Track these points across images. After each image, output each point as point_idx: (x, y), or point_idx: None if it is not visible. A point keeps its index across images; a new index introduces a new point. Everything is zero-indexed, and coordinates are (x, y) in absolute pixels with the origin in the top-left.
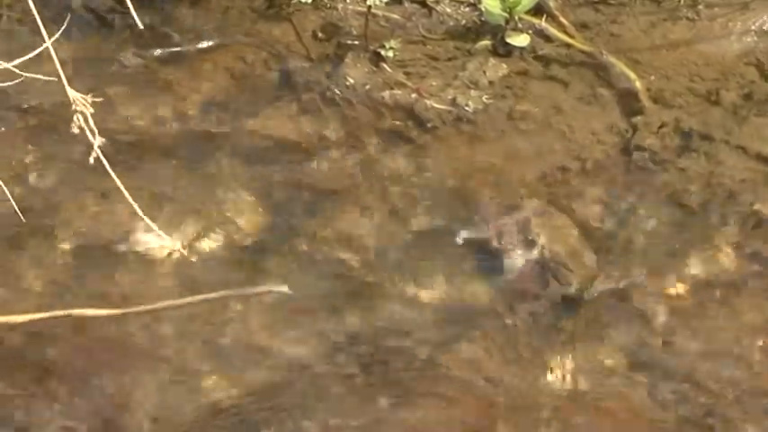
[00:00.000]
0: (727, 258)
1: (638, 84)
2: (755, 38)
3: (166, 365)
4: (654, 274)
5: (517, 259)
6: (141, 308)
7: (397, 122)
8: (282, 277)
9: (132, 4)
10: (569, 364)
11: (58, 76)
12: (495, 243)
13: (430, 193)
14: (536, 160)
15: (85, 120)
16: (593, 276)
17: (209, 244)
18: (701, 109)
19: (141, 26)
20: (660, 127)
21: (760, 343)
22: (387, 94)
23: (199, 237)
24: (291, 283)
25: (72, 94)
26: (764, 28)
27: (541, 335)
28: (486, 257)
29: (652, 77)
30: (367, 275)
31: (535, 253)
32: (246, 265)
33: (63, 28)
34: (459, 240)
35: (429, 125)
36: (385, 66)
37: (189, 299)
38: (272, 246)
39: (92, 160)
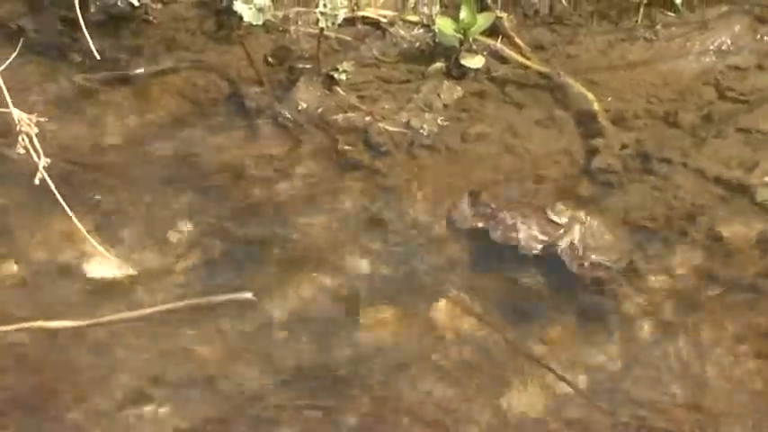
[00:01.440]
0: (685, 281)
1: (596, 105)
2: (714, 57)
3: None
4: None
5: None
6: (105, 319)
7: (351, 147)
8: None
9: (86, 29)
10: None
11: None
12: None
13: (383, 221)
14: (493, 183)
15: (30, 141)
16: None
17: (154, 268)
18: (659, 130)
19: (97, 55)
20: (621, 148)
21: (718, 367)
22: (340, 117)
23: (145, 261)
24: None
25: (17, 114)
26: (723, 48)
27: None
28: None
29: (610, 98)
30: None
31: None
32: (199, 280)
33: (15, 53)
34: (420, 267)
35: (383, 149)
36: (338, 89)
37: (152, 309)
38: (220, 272)
39: (37, 181)
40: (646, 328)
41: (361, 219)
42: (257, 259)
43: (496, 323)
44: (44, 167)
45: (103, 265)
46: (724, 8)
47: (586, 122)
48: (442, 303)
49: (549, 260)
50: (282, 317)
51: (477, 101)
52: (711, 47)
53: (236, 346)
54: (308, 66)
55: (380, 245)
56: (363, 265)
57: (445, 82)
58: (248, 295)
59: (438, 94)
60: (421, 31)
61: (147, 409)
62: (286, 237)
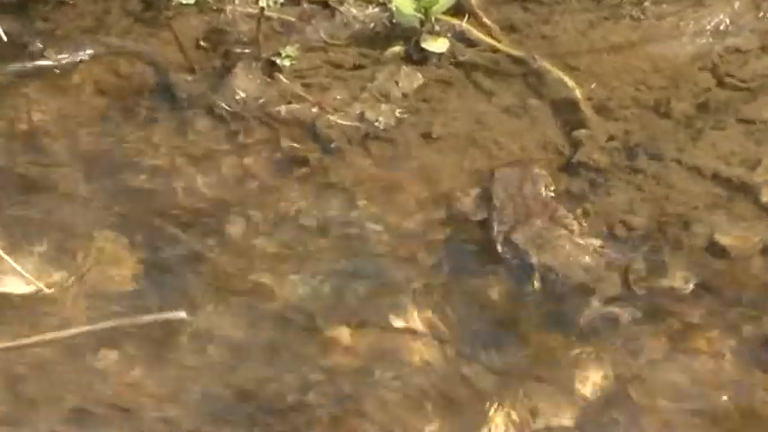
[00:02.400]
0: (679, 297)
1: (576, 93)
2: (710, 39)
3: None
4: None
5: None
6: (33, 339)
7: (296, 143)
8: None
9: None
10: None
11: None
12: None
13: (332, 228)
14: (457, 183)
15: None
16: None
17: (70, 284)
18: (649, 122)
19: (4, 36)
20: (607, 141)
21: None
22: (283, 108)
23: (59, 276)
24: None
25: None
26: (721, 27)
27: None
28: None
29: (592, 85)
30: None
31: None
32: (124, 298)
33: None
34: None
35: (333, 144)
36: (281, 76)
37: (84, 328)
38: (147, 279)
39: None
40: (636, 353)
41: (308, 226)
42: (190, 273)
43: (459, 335)
44: None
45: (14, 281)
46: None
47: (566, 112)
48: (402, 317)
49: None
50: (217, 337)
51: (441, 89)
52: (708, 26)
53: (164, 372)
54: (246, 50)
55: (330, 254)
56: (309, 280)
57: (404, 68)
58: (181, 315)
59: (396, 82)
60: (376, 10)
61: None
62: (221, 248)
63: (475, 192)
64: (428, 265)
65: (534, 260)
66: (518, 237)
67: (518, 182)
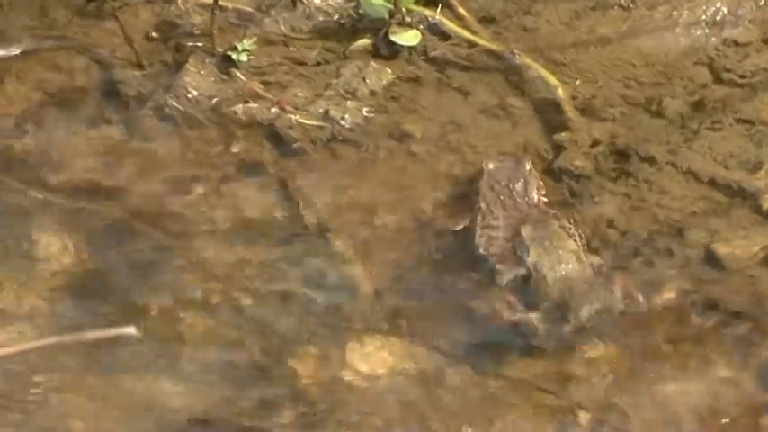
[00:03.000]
0: (674, 311)
1: (560, 91)
2: (706, 30)
3: None
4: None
5: None
6: None
7: (254, 145)
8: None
9: None
10: None
11: None
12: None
13: (292, 239)
14: (430, 191)
15: None
16: None
17: (8, 301)
18: (639, 122)
19: None
20: (593, 145)
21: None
22: (240, 108)
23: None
24: None
25: None
26: (718, 18)
27: None
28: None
29: (577, 82)
30: None
31: None
32: (67, 307)
33: None
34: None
35: (294, 146)
36: (237, 73)
37: (31, 344)
38: (91, 304)
39: None
40: (625, 376)
41: (267, 236)
42: (137, 288)
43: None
44: None
45: None
46: None
47: (548, 113)
48: (364, 347)
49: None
50: (167, 356)
51: (412, 87)
52: (704, 17)
53: (109, 392)
54: (199, 44)
55: (290, 268)
56: (266, 297)
57: (372, 63)
58: (131, 330)
59: (363, 79)
60: (341, 0)
61: None
62: (171, 262)
63: (452, 197)
64: (400, 283)
65: (528, 265)
66: (512, 239)
67: (507, 180)
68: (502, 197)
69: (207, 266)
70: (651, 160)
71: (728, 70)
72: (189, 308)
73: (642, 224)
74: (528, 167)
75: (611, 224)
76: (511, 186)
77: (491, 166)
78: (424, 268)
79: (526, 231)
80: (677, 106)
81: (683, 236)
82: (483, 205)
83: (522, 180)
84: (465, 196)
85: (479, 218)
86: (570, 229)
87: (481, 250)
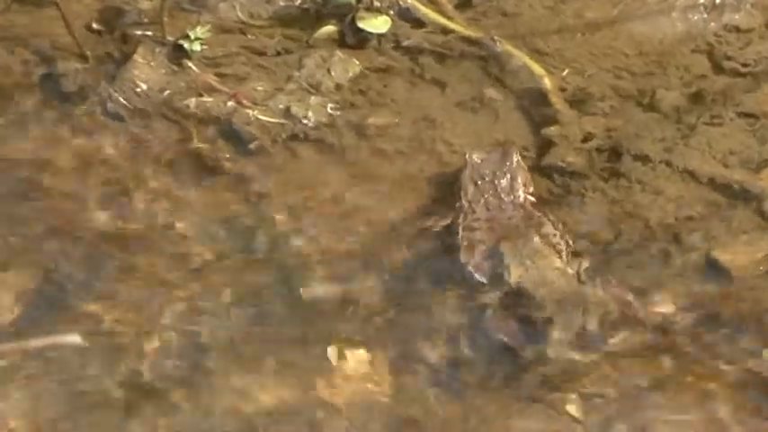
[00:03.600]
0: (670, 323)
1: (546, 81)
2: (705, 15)
3: None
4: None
5: None
6: None
7: (208, 143)
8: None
9: None
10: None
11: None
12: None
13: (252, 248)
14: (403, 193)
15: None
16: None
17: None
18: (632, 116)
19: None
20: (584, 140)
21: None
22: (193, 102)
23: None
24: None
25: None
26: (717, 1)
27: None
28: None
29: (565, 72)
30: None
31: None
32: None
33: None
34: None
35: (252, 146)
36: (189, 64)
37: None
38: (31, 314)
39: None
40: (612, 395)
41: (224, 245)
42: (79, 295)
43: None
44: None
45: None
46: None
47: (534, 105)
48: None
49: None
50: (112, 373)
51: (382, 79)
52: (702, 0)
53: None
54: (147, 33)
55: (250, 280)
56: (222, 311)
57: (337, 53)
58: (75, 338)
59: (328, 71)
60: None
61: None
62: (117, 276)
63: (428, 199)
64: (374, 293)
65: (511, 284)
66: (493, 252)
67: (493, 174)
68: (485, 195)
69: (156, 274)
70: (644, 158)
71: (729, 58)
72: (133, 314)
73: (635, 228)
74: (516, 159)
75: (601, 228)
76: (496, 182)
77: (476, 157)
78: (401, 276)
79: (506, 249)
80: (673, 99)
81: (680, 242)
82: (465, 203)
83: (508, 175)
84: (443, 198)
85: (461, 217)
86: (555, 236)
87: (463, 258)
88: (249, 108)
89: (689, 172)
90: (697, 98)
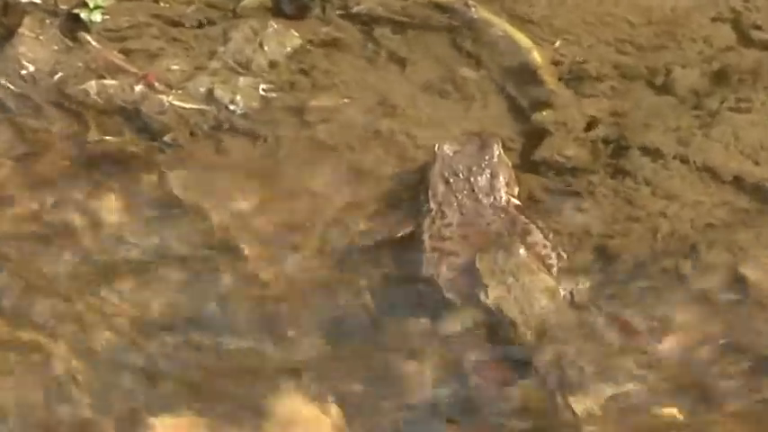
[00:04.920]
0: (690, 359)
1: (535, 56)
2: None
3: None
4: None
5: None
6: None
7: (111, 136)
8: None
9: None
10: None
11: None
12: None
13: (170, 264)
14: (353, 198)
15: None
16: None
17: None
18: (639, 100)
19: None
20: (587, 129)
21: None
22: (93, 86)
23: None
24: None
25: None
26: None
27: None
28: None
29: (557, 44)
30: None
31: None
32: None
33: None
34: None
35: (167, 138)
36: (88, 38)
37: None
38: None
39: None
40: None
41: (131, 257)
42: None
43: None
44: None
45: None
46: None
47: (519, 86)
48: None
49: None
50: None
51: (328, 55)
52: None
53: None
54: (36, 1)
55: (167, 300)
56: (131, 334)
57: (272, 24)
58: None
59: (260, 45)
60: None
61: None
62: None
63: (387, 203)
64: (324, 322)
65: (489, 307)
66: (467, 267)
67: (468, 170)
68: (459, 196)
69: (54, 288)
70: (655, 153)
71: (759, 28)
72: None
73: (644, 239)
74: (497, 153)
75: (601, 239)
76: (472, 180)
77: (447, 150)
78: (349, 303)
79: (483, 263)
80: (690, 78)
81: (699, 255)
82: (433, 205)
83: (487, 171)
84: (405, 201)
85: (428, 223)
86: (545, 248)
87: (430, 271)
88: (162, 93)
89: (709, 169)
90: (719, 78)
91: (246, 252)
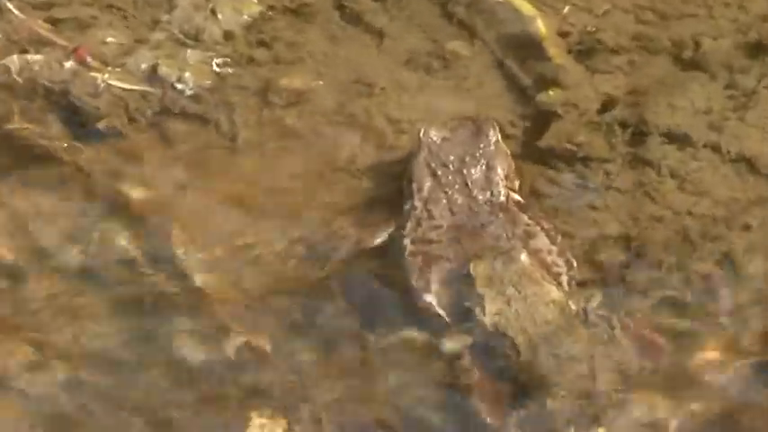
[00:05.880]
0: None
1: (539, 24)
2: None
3: None
4: None
5: None
6: None
7: (35, 124)
8: None
9: None
10: None
11: None
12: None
13: (104, 274)
14: (324, 195)
15: None
16: None
17: None
18: (662, 77)
19: None
20: (602, 110)
21: None
22: (14, 63)
23: None
24: None
25: None
26: None
27: None
28: None
29: (565, 10)
30: None
31: None
32: None
33: None
34: None
35: (102, 126)
36: (9, 6)
37: None
38: None
39: None
40: None
41: (62, 268)
42: None
43: None
44: None
45: None
46: None
47: (521, 60)
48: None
49: None
50: None
51: (292, 24)
52: None
53: None
54: None
55: (105, 317)
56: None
57: None
58: None
59: (212, 12)
60: None
61: None
62: None
63: (364, 199)
64: (290, 343)
65: (486, 325)
66: (459, 276)
67: (460, 160)
68: (449, 191)
69: None
70: (682, 140)
71: None
72: None
73: (668, 243)
74: (494, 140)
75: (618, 242)
76: (465, 172)
77: (434, 137)
78: (320, 320)
79: (478, 272)
80: (722, 51)
81: (733, 262)
82: (418, 203)
83: (483, 162)
84: (385, 197)
85: (411, 224)
86: (551, 253)
87: (414, 282)
88: (96, 70)
89: (745, 160)
90: (757, 50)
91: (200, 257)
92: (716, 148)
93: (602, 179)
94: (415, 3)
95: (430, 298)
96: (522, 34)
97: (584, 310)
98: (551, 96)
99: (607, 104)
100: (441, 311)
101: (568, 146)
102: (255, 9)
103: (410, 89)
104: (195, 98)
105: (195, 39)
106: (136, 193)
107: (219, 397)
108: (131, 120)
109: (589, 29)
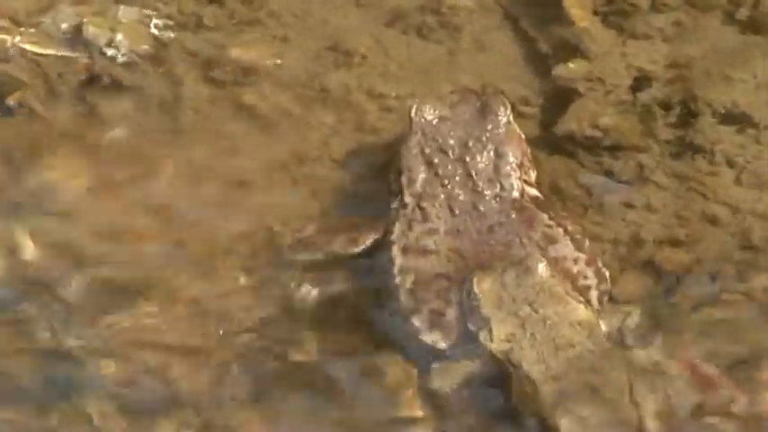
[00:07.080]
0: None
1: None
2: None
3: None
4: None
5: None
6: None
7: None
8: None
9: None
10: None
11: None
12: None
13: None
14: (291, 190)
15: None
16: None
17: None
18: (714, 42)
19: None
20: (635, 88)
21: None
22: None
23: None
24: None
25: None
26: None
27: None
28: None
29: None
30: None
31: None
32: None
33: None
34: None
35: (12, 101)
36: None
37: None
38: None
39: None
40: None
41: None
42: None
43: None
44: None
45: None
46: None
47: (537, 22)
48: None
49: None
50: None
51: None
52: None
53: None
54: None
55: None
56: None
57: None
58: None
59: None
60: None
61: None
62: None
63: (335, 198)
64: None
65: (495, 353)
66: (460, 293)
67: (461, 143)
68: (448, 183)
69: None
70: (739, 120)
71: None
72: None
73: (722, 250)
74: (503, 120)
75: (661, 248)
76: (468, 160)
77: (428, 114)
78: (287, 349)
79: (483, 288)
80: None
81: None
82: (409, 200)
83: (490, 146)
84: (368, 192)
85: (400, 227)
86: (577, 262)
87: (402, 302)
88: (6, 32)
89: None
90: None
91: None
92: None
93: (637, 171)
94: None
95: (420, 320)
96: None
97: (621, 332)
98: (572, 68)
99: (641, 80)
100: (434, 338)
101: (592, 131)
102: None
103: (397, 55)
104: (129, 66)
105: None
106: (53, 196)
107: None
108: (52, 92)
109: None
